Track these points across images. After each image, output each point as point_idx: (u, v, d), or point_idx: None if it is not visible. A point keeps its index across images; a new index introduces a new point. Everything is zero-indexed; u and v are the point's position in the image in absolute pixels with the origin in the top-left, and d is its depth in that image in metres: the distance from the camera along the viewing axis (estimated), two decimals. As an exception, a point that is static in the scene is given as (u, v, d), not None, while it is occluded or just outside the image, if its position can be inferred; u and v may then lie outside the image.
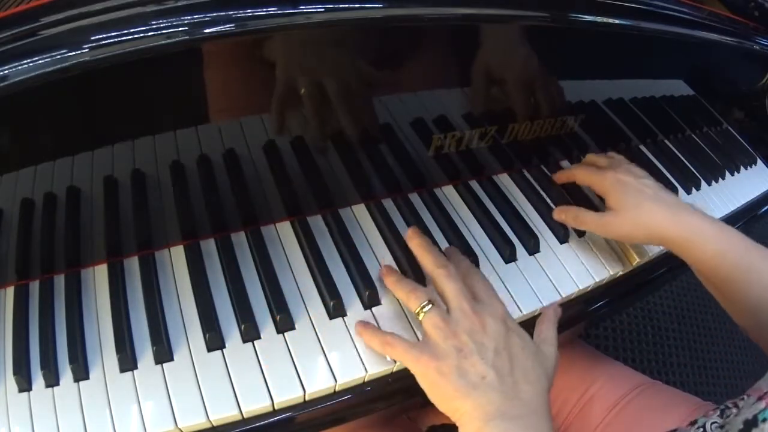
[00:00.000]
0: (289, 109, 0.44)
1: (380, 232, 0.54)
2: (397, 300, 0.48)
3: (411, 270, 0.49)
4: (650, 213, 0.51)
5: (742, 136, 0.88)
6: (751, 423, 0.35)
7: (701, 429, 0.41)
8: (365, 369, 0.44)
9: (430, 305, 0.43)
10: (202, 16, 0.35)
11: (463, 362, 0.40)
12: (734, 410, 0.42)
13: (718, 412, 0.43)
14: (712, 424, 0.41)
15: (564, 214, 0.57)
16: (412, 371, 0.42)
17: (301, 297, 0.48)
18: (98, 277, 0.47)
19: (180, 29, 0.34)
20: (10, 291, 0.45)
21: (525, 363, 0.41)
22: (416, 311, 0.44)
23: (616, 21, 0.51)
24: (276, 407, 0.42)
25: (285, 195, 0.51)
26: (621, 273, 0.58)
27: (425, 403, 0.42)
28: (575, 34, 0.53)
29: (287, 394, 0.42)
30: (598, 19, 0.49)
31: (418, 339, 0.46)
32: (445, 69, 0.51)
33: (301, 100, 0.44)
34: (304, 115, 0.45)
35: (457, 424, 0.40)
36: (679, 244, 0.50)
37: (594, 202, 0.62)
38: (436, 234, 0.54)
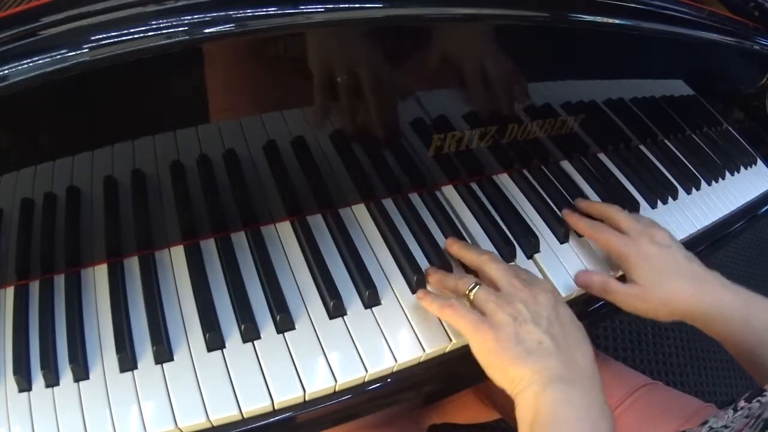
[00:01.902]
0: (291, 110, 0.44)
1: (380, 232, 0.54)
2: (397, 300, 0.48)
3: (412, 270, 0.49)
4: (674, 291, 0.49)
5: (742, 136, 0.88)
6: None
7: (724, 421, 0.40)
8: (365, 369, 0.44)
9: (478, 285, 0.45)
10: (202, 16, 0.35)
11: (519, 329, 0.41)
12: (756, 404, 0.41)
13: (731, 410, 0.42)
14: (737, 412, 0.41)
15: (591, 280, 0.53)
16: (469, 340, 0.43)
17: (301, 297, 0.48)
18: (98, 277, 0.47)
19: (180, 29, 0.34)
20: (10, 291, 0.45)
21: (576, 333, 0.43)
22: (466, 292, 0.45)
23: (616, 21, 0.51)
24: (276, 407, 0.42)
25: (285, 195, 0.51)
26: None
27: (426, 403, 0.42)
28: (575, 34, 0.53)
29: (287, 394, 0.42)
30: (598, 19, 0.49)
31: (419, 339, 0.46)
32: (445, 69, 0.50)
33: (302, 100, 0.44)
34: (307, 116, 0.45)
35: (514, 395, 0.41)
36: (703, 320, 0.49)
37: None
38: (436, 234, 0.54)
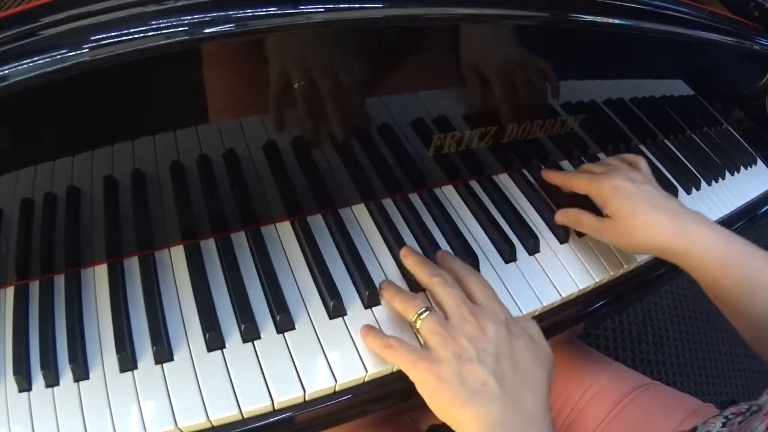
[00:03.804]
0: (288, 108, 0.44)
1: (380, 232, 0.54)
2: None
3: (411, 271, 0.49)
4: (649, 222, 0.49)
5: (742, 136, 0.88)
6: None
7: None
8: (365, 369, 0.44)
9: (427, 312, 0.43)
10: (202, 16, 0.35)
11: (463, 369, 0.39)
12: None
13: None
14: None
15: (566, 216, 0.56)
16: (411, 378, 0.41)
17: (301, 297, 0.48)
18: (98, 277, 0.47)
19: (180, 29, 0.34)
20: (10, 291, 0.45)
21: (527, 368, 0.41)
22: (413, 319, 0.43)
23: (616, 21, 0.51)
24: (276, 407, 0.42)
25: (285, 195, 0.51)
26: (621, 273, 0.58)
27: (426, 403, 0.42)
28: (575, 34, 0.53)
29: (287, 394, 0.42)
30: (598, 19, 0.49)
31: (420, 343, 0.46)
32: (445, 69, 0.51)
33: (299, 98, 0.44)
34: (304, 115, 0.45)
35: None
36: (680, 254, 0.48)
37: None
38: (436, 234, 0.54)
